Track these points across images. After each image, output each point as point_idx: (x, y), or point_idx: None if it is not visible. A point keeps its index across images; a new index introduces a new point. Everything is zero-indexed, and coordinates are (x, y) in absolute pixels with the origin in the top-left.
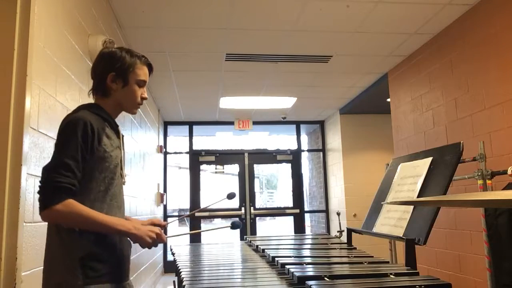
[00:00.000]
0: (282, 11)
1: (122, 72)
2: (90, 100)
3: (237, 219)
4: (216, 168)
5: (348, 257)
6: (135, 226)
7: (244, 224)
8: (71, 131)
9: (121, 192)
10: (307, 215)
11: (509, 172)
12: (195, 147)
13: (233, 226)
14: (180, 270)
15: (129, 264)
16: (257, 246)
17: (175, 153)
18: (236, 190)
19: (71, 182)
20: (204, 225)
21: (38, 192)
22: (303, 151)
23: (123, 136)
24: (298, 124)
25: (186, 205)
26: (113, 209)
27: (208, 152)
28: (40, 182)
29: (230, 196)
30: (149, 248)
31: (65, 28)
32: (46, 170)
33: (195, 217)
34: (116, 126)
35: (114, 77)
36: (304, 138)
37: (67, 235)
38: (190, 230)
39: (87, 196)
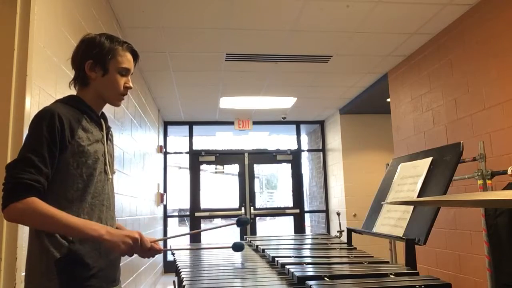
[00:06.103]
0: (282, 11)
1: (100, 59)
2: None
3: (243, 215)
4: (216, 168)
5: (348, 257)
6: (108, 231)
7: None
8: (36, 124)
9: (105, 189)
10: (307, 215)
11: (509, 172)
12: (195, 147)
13: (239, 223)
14: (180, 270)
15: (116, 269)
16: (257, 246)
17: (175, 153)
18: (236, 190)
19: (33, 178)
20: (204, 225)
21: (2, 190)
22: (303, 151)
23: (109, 128)
24: (298, 124)
25: (186, 205)
26: (96, 207)
27: (208, 152)
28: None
29: (237, 248)
30: (130, 255)
31: (65, 28)
32: (8, 167)
33: (195, 217)
34: (98, 118)
35: (92, 64)
36: (304, 138)
37: (46, 238)
38: (190, 230)
39: (64, 195)
